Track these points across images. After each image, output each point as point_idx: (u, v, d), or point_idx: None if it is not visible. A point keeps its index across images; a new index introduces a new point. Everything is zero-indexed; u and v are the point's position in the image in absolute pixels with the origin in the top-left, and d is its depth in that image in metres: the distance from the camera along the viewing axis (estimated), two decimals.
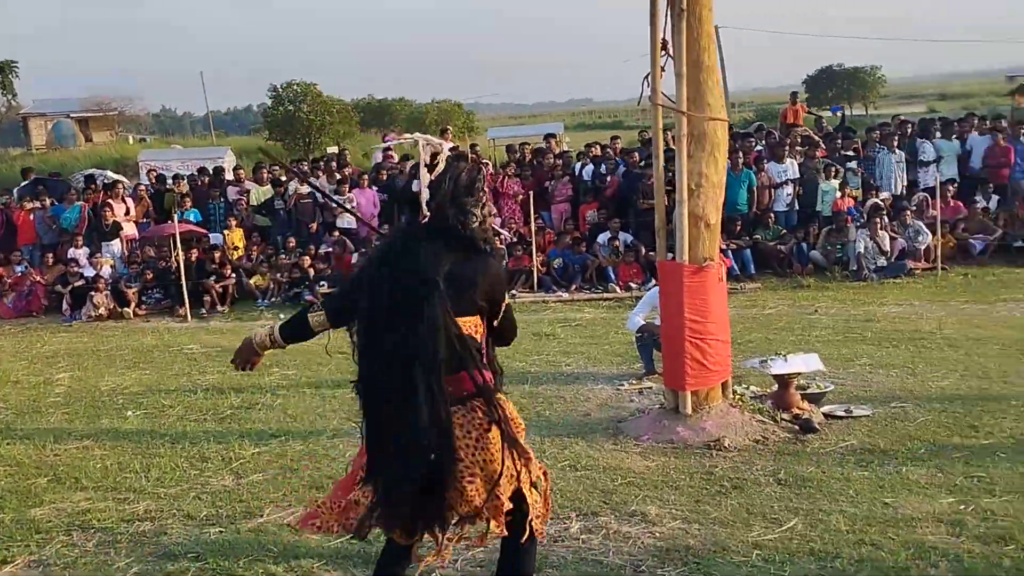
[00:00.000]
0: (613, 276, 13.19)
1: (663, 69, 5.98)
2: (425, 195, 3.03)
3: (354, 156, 24.49)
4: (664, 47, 5.96)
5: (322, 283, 13.09)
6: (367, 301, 2.97)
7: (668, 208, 6.29)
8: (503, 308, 3.12)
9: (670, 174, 7.03)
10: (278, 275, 13.64)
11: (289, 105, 35.55)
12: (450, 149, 3.13)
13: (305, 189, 14.32)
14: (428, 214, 3.02)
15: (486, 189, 3.14)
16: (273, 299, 13.45)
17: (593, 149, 15.61)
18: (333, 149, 24.58)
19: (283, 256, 13.85)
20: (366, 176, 15.34)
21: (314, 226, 14.50)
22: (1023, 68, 64.45)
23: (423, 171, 3.08)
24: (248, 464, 5.72)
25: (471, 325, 3.00)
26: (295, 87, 36.19)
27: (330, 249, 13.98)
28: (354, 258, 13.49)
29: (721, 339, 6.09)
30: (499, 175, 15.15)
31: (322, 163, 16.71)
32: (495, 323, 3.13)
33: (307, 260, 13.59)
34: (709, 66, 5.98)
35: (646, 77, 6.08)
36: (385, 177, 15.23)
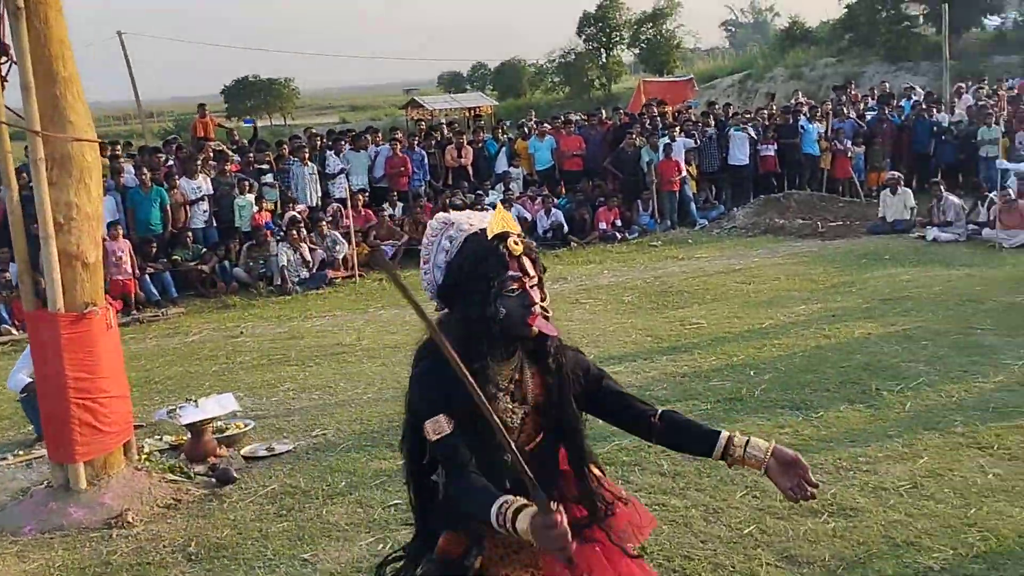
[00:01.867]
0: (7, 315, 11.21)
1: (6, 79, 4.92)
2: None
3: None
4: (5, 52, 4.91)
5: None
6: None
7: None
8: None
9: None
10: None
11: None
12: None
13: None
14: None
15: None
16: None
17: None
18: None
19: None
20: None
21: None
22: (415, 83, 72.64)
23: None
24: None
25: None
26: None
27: None
28: None
29: (117, 395, 5.26)
30: None
31: None
32: None
33: None
34: (67, 77, 5.06)
35: None
36: None
